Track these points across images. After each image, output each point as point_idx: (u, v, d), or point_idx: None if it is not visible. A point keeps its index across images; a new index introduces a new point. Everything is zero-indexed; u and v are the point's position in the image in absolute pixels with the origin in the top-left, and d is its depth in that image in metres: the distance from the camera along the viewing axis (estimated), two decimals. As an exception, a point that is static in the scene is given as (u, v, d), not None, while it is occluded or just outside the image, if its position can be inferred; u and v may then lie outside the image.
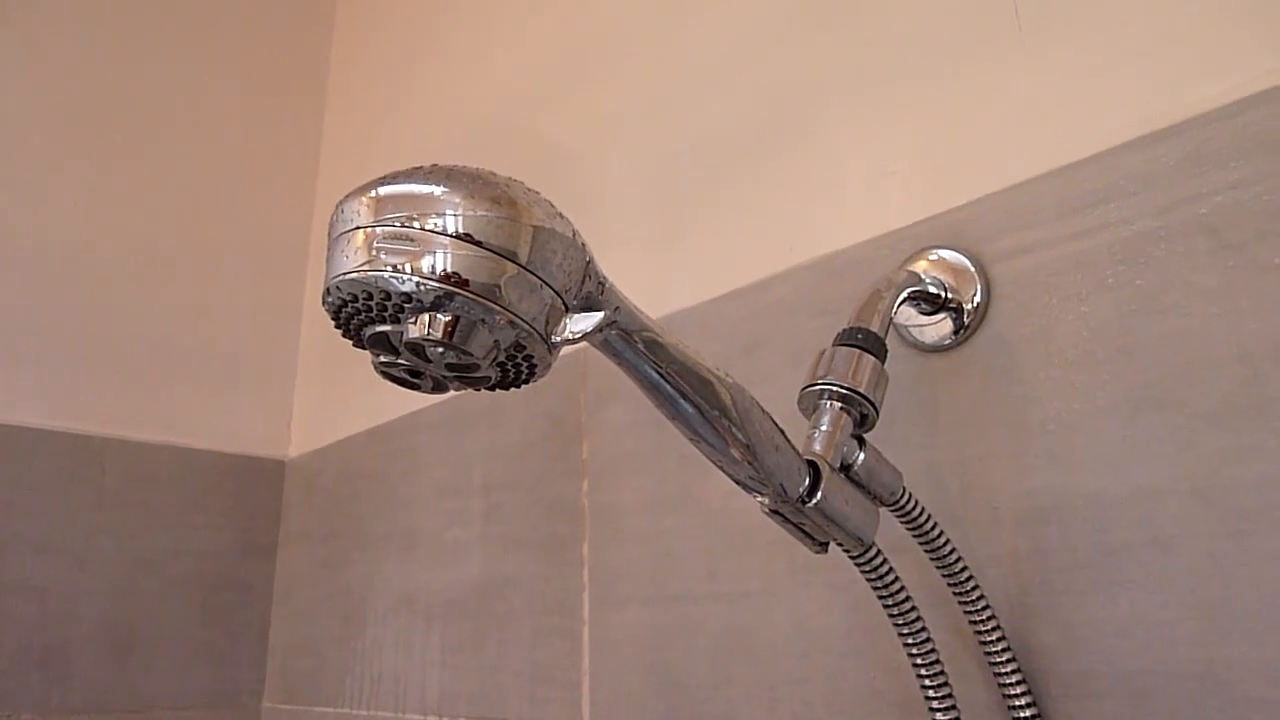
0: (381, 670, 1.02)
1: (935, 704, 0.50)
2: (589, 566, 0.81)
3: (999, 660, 0.52)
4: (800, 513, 0.44)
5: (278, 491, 1.35)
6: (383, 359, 0.35)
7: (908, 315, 0.62)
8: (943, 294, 0.59)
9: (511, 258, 0.32)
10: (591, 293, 0.35)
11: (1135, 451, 0.51)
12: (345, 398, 1.27)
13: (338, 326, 0.34)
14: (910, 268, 0.62)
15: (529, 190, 0.34)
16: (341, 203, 0.33)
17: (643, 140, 0.90)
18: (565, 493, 0.85)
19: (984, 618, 0.51)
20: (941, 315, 0.60)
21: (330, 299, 0.34)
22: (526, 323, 0.33)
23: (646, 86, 0.91)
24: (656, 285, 0.83)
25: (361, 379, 1.22)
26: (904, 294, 0.56)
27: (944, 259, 0.61)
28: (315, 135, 1.56)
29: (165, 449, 1.25)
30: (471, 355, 0.33)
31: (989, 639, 0.52)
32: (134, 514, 1.21)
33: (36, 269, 1.20)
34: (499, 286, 0.32)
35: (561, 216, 0.34)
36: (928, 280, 0.59)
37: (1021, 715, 0.51)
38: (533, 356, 0.35)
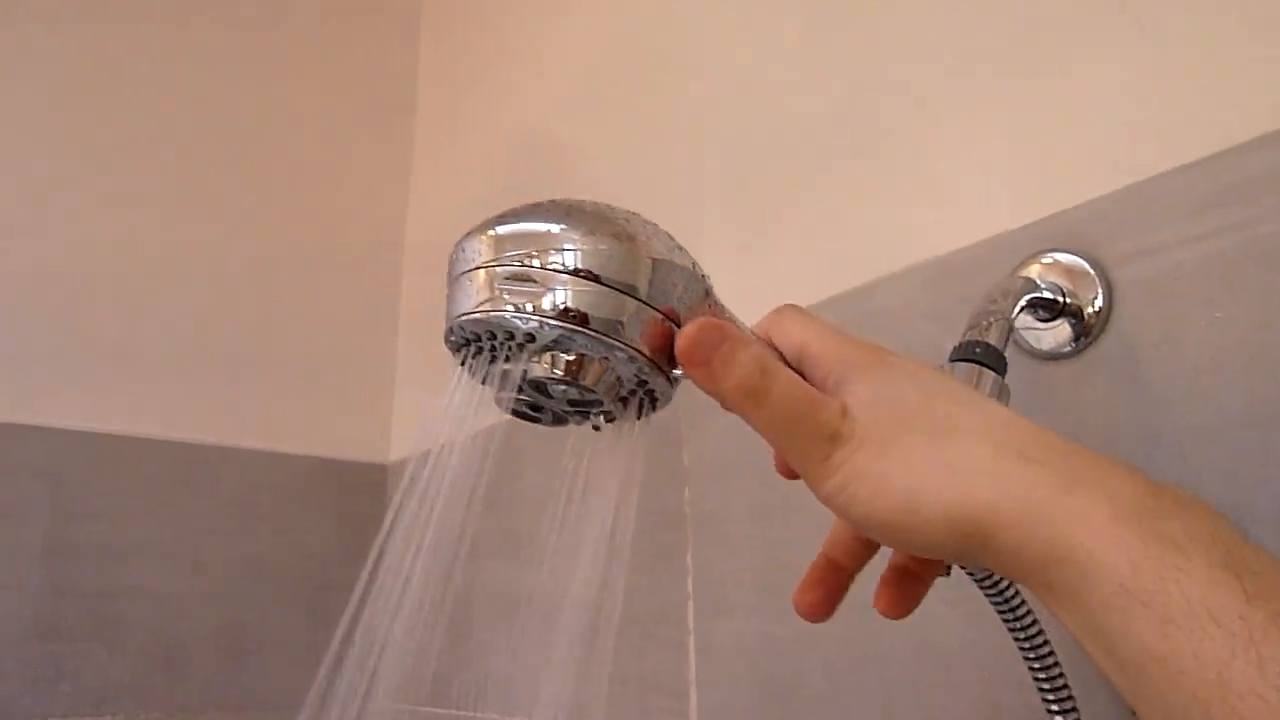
0: (487, 674, 1.04)
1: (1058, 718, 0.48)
2: (693, 575, 0.81)
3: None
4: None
5: (380, 495, 1.39)
6: (504, 394, 0.35)
7: (1023, 320, 0.60)
8: (1061, 299, 0.57)
9: (631, 292, 0.32)
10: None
11: (1273, 464, 0.49)
12: (445, 404, 1.29)
13: (461, 364, 0.34)
14: (1023, 272, 0.60)
15: (648, 223, 0.33)
16: (462, 241, 0.34)
17: (735, 142, 0.89)
18: (667, 500, 0.85)
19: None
20: (1059, 321, 0.58)
21: (453, 338, 0.34)
22: (647, 357, 0.32)
23: (737, 86, 0.90)
24: (752, 291, 0.82)
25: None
26: (1022, 302, 0.54)
27: (1060, 262, 0.59)
28: (407, 143, 1.58)
29: (273, 456, 1.29)
30: (594, 392, 0.33)
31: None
32: (245, 520, 1.25)
33: (151, 289, 1.25)
34: (620, 323, 0.32)
35: (681, 249, 0.34)
36: (1044, 286, 0.57)
37: (1156, 739, 0.49)
38: (654, 390, 0.34)
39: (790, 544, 0.73)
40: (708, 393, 0.33)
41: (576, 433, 0.39)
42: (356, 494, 1.36)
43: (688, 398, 0.85)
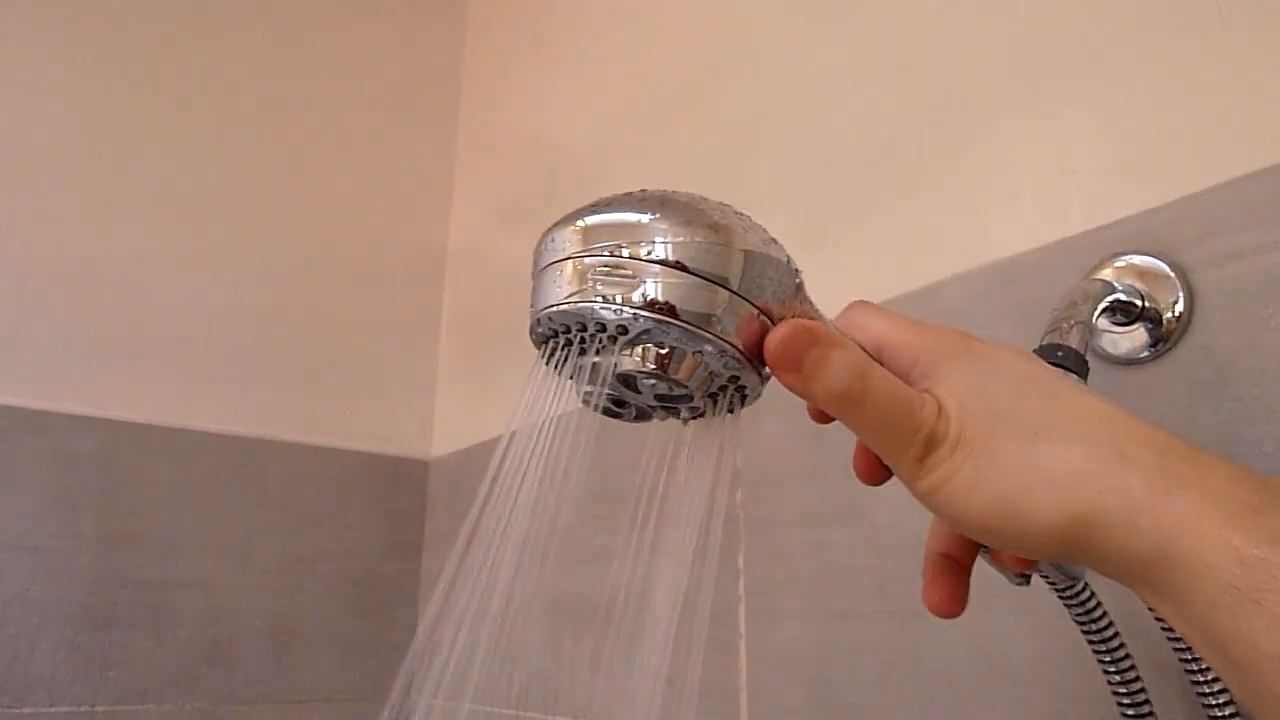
0: (530, 673, 1.03)
1: (1143, 745, 0.47)
2: (745, 579, 0.80)
3: (1212, 699, 0.48)
4: (1005, 543, 0.42)
5: (422, 491, 1.39)
6: (586, 388, 0.34)
7: (1098, 324, 0.58)
8: (1139, 303, 0.55)
9: (724, 284, 0.31)
10: (802, 316, 0.34)
11: (1368, 476, 0.47)
12: (490, 400, 1.29)
13: (545, 359, 0.34)
14: (1100, 275, 0.58)
15: (741, 215, 0.32)
16: (549, 232, 0.33)
17: (793, 143, 0.88)
18: (718, 503, 0.84)
19: (1197, 655, 0.48)
20: (1136, 325, 0.57)
21: (540, 329, 0.33)
22: (740, 351, 0.32)
23: (796, 87, 0.89)
24: (816, 291, 0.81)
25: (505, 382, 1.24)
26: (1102, 305, 0.53)
27: (1136, 265, 0.57)
28: (450, 148, 1.59)
29: (318, 450, 1.30)
30: (685, 386, 0.32)
31: (1200, 679, 0.48)
32: (291, 513, 1.26)
33: (197, 286, 1.26)
34: (713, 316, 0.31)
35: (775, 241, 0.33)
36: (1122, 288, 0.56)
37: (1238, 758, 0.47)
38: (745, 386, 0.33)
39: (844, 549, 0.72)
40: (799, 395, 0.32)
41: (659, 429, 0.38)
42: (398, 489, 1.37)
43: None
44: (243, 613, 1.18)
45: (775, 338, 0.31)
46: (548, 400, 0.35)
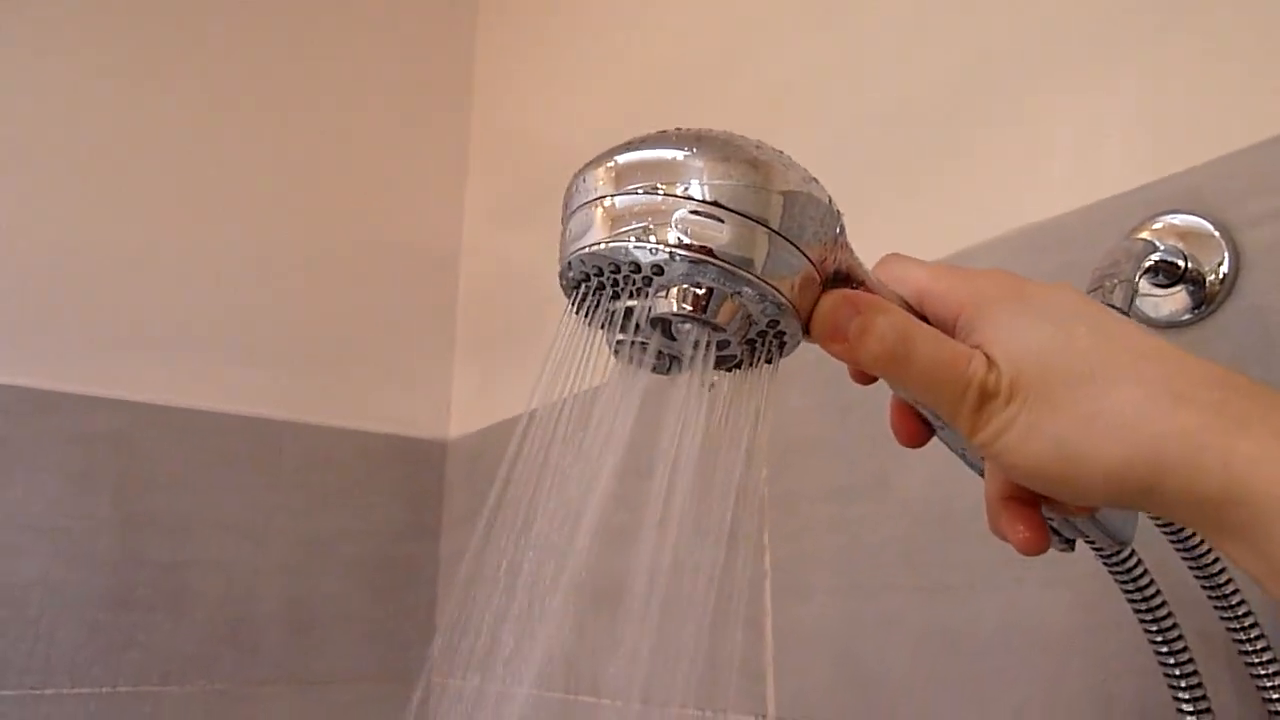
0: (552, 652, 1.02)
1: (1190, 716, 0.45)
2: (770, 554, 0.79)
3: (1261, 669, 0.46)
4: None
5: (440, 472, 1.38)
6: (619, 337, 0.33)
7: (1139, 285, 0.57)
8: (1182, 264, 0.54)
9: (764, 223, 0.29)
10: (842, 263, 0.33)
11: None
12: (507, 380, 1.28)
13: (575, 306, 0.32)
14: (1142, 235, 0.56)
15: (780, 152, 0.31)
16: (580, 173, 0.31)
17: (814, 118, 0.86)
18: (754, 466, 0.83)
19: (1246, 625, 0.46)
20: (1178, 288, 0.55)
21: (571, 273, 0.32)
22: (784, 295, 0.30)
23: (815, 60, 0.87)
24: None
25: (522, 362, 1.23)
26: (1145, 265, 0.51)
27: (1177, 225, 0.56)
28: (464, 129, 1.57)
29: (336, 431, 1.29)
30: (723, 330, 0.31)
31: (1249, 648, 0.46)
32: (308, 494, 1.25)
33: (214, 268, 1.25)
34: (752, 258, 0.29)
35: (815, 181, 0.31)
36: (1164, 248, 0.54)
37: (1289, 731, 0.46)
38: (785, 332, 0.32)
39: (871, 523, 0.71)
40: (846, 363, 0.33)
41: (690, 392, 0.36)
42: (416, 471, 1.36)
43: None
44: (261, 594, 1.18)
45: (819, 312, 0.31)
46: (572, 372, 0.34)
